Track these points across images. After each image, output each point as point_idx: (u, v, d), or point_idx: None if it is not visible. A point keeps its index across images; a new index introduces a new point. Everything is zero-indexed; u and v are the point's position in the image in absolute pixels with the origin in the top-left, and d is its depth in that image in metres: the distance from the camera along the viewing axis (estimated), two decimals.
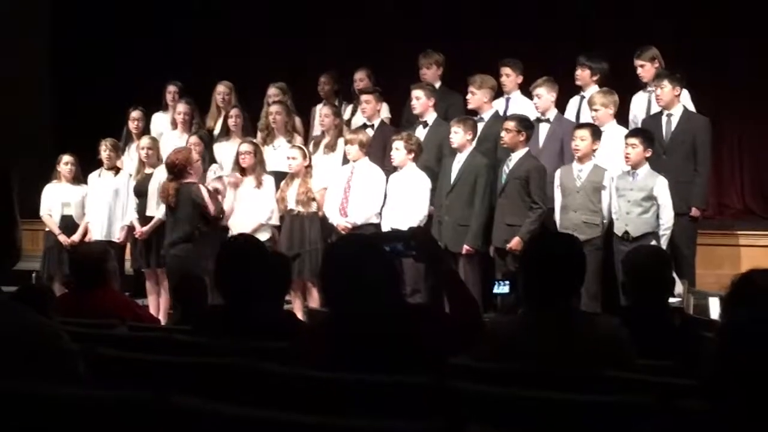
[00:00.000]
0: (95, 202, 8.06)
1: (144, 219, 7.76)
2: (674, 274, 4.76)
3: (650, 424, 2.08)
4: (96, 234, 7.97)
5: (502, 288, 5.09)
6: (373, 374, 2.57)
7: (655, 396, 2.33)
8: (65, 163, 8.18)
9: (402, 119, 8.13)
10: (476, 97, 7.38)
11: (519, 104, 7.58)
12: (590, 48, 7.99)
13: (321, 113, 8.04)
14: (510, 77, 7.68)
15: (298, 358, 2.83)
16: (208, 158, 8.01)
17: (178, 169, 6.99)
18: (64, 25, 11.22)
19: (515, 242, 6.56)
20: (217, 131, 8.44)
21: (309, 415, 1.92)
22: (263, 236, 7.25)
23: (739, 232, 8.10)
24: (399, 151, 7.05)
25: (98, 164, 8.19)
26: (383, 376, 2.55)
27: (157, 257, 7.64)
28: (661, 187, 6.53)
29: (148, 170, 7.85)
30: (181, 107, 8.45)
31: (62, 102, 11.14)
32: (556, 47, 8.97)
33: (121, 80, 10.30)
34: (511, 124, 6.80)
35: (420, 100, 7.47)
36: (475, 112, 7.42)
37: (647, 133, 6.69)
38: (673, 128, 7.01)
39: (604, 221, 6.66)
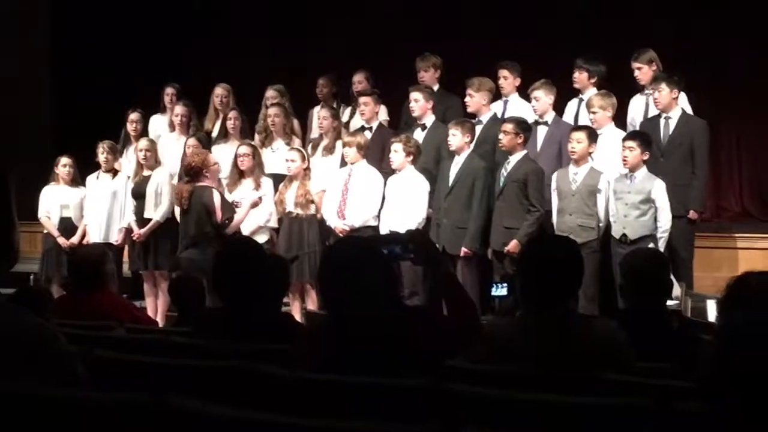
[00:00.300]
0: (93, 205, 8.05)
1: (142, 221, 7.75)
2: (672, 277, 4.76)
3: (648, 427, 2.08)
4: (94, 236, 7.96)
5: (499, 290, 5.10)
6: (371, 376, 2.57)
7: (653, 399, 2.33)
8: (63, 165, 8.17)
9: (400, 122, 8.13)
10: (474, 99, 7.38)
11: (517, 107, 7.59)
12: (589, 50, 7.99)
13: (319, 115, 8.04)
14: (508, 80, 7.69)
15: (297, 361, 2.83)
16: None
17: (194, 171, 6.96)
18: (64, 26, 11.23)
19: (513, 245, 6.56)
20: (215, 133, 8.44)
21: (307, 417, 1.92)
22: (261, 238, 7.26)
23: (736, 235, 8.10)
24: (398, 154, 7.06)
25: (96, 166, 8.18)
26: (381, 379, 2.56)
27: (155, 259, 7.64)
28: (658, 189, 6.53)
29: (146, 172, 7.84)
30: (179, 109, 8.45)
31: (62, 103, 11.15)
32: (555, 49, 8.97)
33: (120, 81, 10.30)
34: (509, 127, 6.80)
35: (419, 103, 7.47)
36: (474, 115, 7.42)
37: (645, 135, 6.69)
38: (671, 131, 7.01)
39: (600, 224, 6.66)
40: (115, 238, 7.96)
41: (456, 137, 6.97)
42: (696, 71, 8.03)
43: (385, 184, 7.21)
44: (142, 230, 7.69)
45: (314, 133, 8.32)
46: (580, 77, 7.53)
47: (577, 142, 6.64)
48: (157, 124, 8.79)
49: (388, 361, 2.69)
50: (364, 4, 10.26)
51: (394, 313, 2.86)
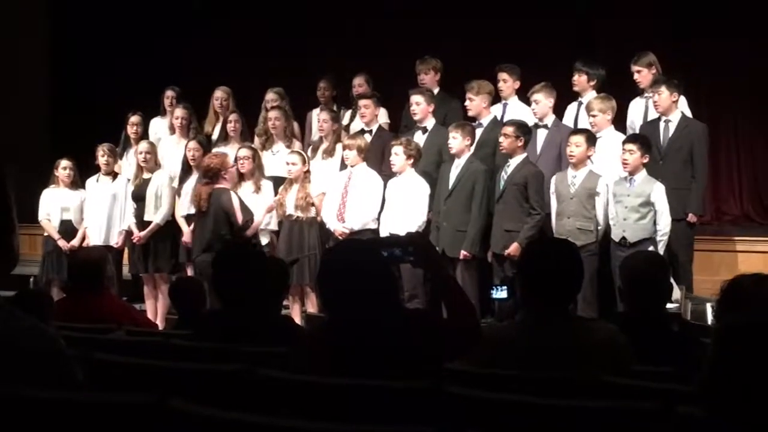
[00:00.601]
0: (93, 207, 8.05)
1: (142, 224, 7.76)
2: (672, 280, 4.76)
3: (648, 430, 2.08)
4: (94, 239, 7.96)
5: (499, 293, 5.10)
6: (371, 379, 2.57)
7: (654, 402, 2.33)
8: (63, 168, 8.17)
9: (401, 124, 8.13)
10: (475, 103, 7.38)
11: (516, 110, 7.59)
12: (589, 51, 8.00)
13: (320, 118, 8.05)
14: (507, 83, 7.69)
15: (297, 363, 2.83)
16: None
17: (212, 173, 6.99)
18: (64, 26, 11.24)
19: (514, 248, 6.56)
20: (215, 136, 8.45)
21: (307, 420, 1.93)
22: (262, 241, 7.26)
23: (736, 238, 8.11)
24: (398, 157, 7.06)
25: (96, 169, 8.19)
26: (381, 382, 2.55)
27: (155, 262, 7.65)
28: (658, 192, 6.53)
29: (146, 175, 7.85)
30: (179, 112, 8.45)
31: (61, 105, 11.15)
32: (554, 51, 8.98)
33: (120, 84, 10.31)
34: (509, 130, 6.80)
35: (420, 106, 7.47)
36: (474, 118, 7.42)
37: (644, 139, 6.69)
38: (670, 134, 7.01)
39: (599, 227, 6.66)
40: (115, 240, 7.96)
41: (456, 140, 6.97)
42: (696, 71, 8.03)
43: (385, 186, 7.21)
44: (142, 233, 7.70)
45: (313, 136, 8.33)
46: (579, 80, 7.53)
47: (576, 145, 6.64)
48: (157, 126, 8.79)
49: (388, 364, 2.69)
50: (365, 5, 10.26)
51: (394, 316, 2.86)
